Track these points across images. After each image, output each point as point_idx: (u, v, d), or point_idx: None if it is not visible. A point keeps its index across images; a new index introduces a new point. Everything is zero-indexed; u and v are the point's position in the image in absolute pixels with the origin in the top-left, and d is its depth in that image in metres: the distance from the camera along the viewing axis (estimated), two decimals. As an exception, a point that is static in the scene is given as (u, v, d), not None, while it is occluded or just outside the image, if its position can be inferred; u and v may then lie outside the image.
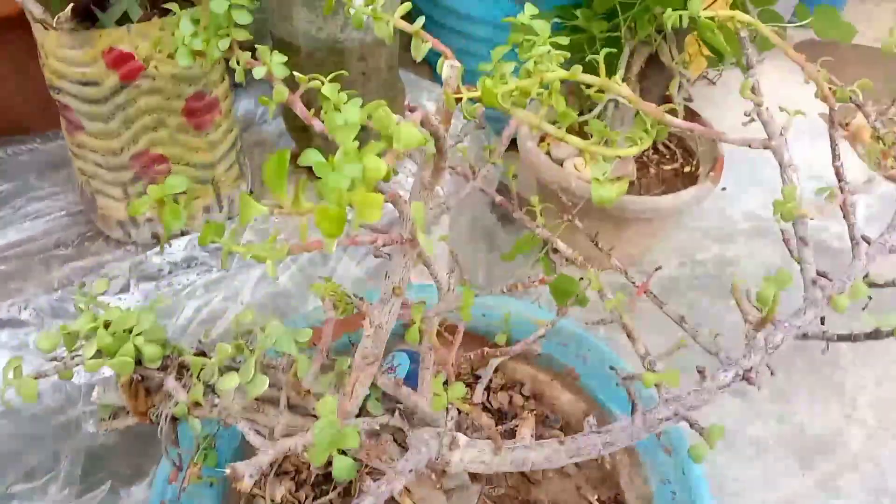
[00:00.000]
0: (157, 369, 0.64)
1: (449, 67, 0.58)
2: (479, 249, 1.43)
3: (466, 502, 0.72)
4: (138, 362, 0.64)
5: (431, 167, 0.60)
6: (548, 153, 1.46)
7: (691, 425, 0.63)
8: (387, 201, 0.56)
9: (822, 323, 0.68)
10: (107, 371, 0.75)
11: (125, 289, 1.10)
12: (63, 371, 0.63)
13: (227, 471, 0.57)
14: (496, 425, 0.91)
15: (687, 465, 0.83)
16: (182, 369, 0.66)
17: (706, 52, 1.45)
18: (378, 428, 0.64)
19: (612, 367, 0.70)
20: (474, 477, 0.77)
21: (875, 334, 0.64)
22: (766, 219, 1.79)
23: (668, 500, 0.79)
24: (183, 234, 1.13)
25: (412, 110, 0.49)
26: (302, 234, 0.52)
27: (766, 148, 0.68)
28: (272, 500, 0.83)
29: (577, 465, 0.89)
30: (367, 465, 0.72)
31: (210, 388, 0.64)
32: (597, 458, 0.63)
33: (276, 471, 0.86)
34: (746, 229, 1.77)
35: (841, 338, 0.67)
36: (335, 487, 0.86)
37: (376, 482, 0.56)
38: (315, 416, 0.65)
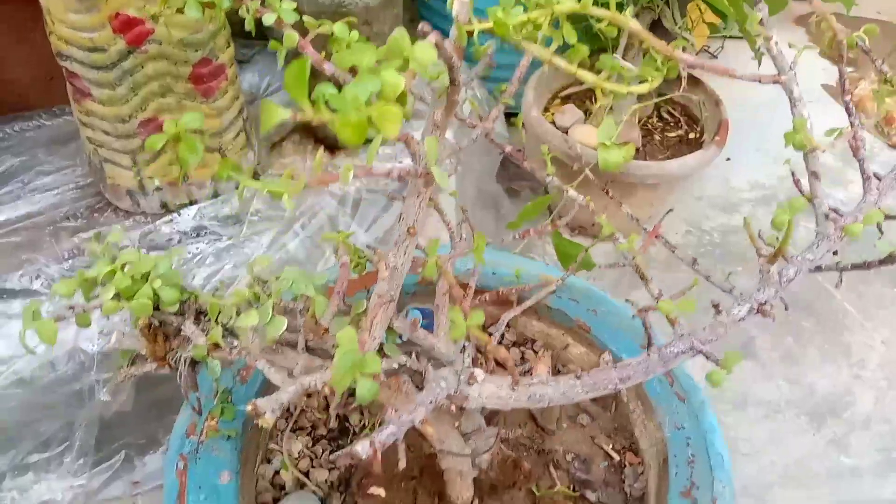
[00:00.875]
0: (175, 314, 0.65)
1: (459, 3, 0.58)
2: (485, 218, 1.43)
3: (483, 445, 0.73)
4: (156, 308, 0.65)
5: (444, 104, 0.60)
6: (552, 122, 1.47)
7: (707, 357, 0.63)
8: (400, 140, 0.57)
9: (836, 254, 0.68)
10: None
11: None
12: (81, 316, 0.64)
13: (248, 408, 0.57)
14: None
15: (701, 412, 0.83)
16: (199, 315, 0.67)
17: (708, 18, 1.45)
18: (396, 367, 0.64)
19: (627, 300, 0.71)
20: (490, 421, 0.78)
21: (889, 259, 0.64)
22: (771, 187, 1.80)
23: (683, 446, 0.80)
24: (191, 203, 1.13)
25: (425, 34, 0.49)
26: (316, 166, 0.53)
27: (775, 82, 0.68)
28: (289, 454, 0.84)
29: (590, 415, 0.90)
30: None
31: (228, 332, 0.64)
32: (613, 392, 0.63)
33: (293, 427, 0.87)
34: (751, 198, 1.77)
35: (855, 266, 0.67)
36: (351, 441, 0.86)
37: (398, 412, 0.56)
38: (333, 358, 0.65)
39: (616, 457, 0.85)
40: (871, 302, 1.54)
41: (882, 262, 0.65)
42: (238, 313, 0.64)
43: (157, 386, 1.12)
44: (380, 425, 0.69)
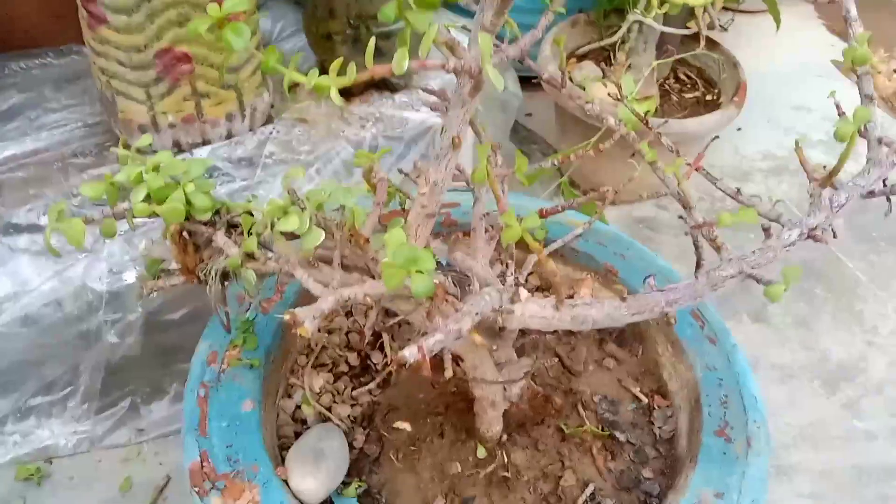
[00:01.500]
0: (206, 224, 0.62)
1: None
2: (499, 175, 1.41)
3: (515, 375, 0.71)
4: (186, 218, 0.62)
5: (494, 7, 0.57)
6: (569, 78, 1.44)
7: (758, 281, 0.61)
8: (444, 43, 0.54)
9: (885, 185, 0.66)
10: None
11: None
12: (108, 223, 0.61)
13: (286, 316, 0.55)
14: (525, 347, 0.89)
15: (732, 354, 0.82)
16: (230, 229, 0.64)
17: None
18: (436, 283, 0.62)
19: (680, 217, 0.68)
20: (519, 356, 0.76)
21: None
22: (782, 157, 1.78)
23: (715, 386, 0.78)
24: (204, 143, 1.10)
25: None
26: (368, 59, 0.50)
27: (830, 2, 0.66)
28: (310, 389, 0.81)
29: (616, 360, 0.88)
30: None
31: (262, 245, 0.62)
32: (660, 315, 0.61)
33: (314, 363, 0.84)
34: (763, 168, 1.76)
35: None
36: (373, 378, 0.84)
37: (444, 321, 0.54)
38: (371, 275, 0.63)
39: (644, 399, 0.83)
40: (883, 271, 1.53)
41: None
42: (272, 226, 0.61)
43: (165, 331, 1.09)
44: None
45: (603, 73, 1.48)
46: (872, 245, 1.60)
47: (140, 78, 0.99)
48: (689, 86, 1.52)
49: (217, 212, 0.63)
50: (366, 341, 0.86)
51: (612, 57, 1.46)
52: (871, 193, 0.65)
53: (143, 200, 0.58)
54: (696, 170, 0.76)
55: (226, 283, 0.65)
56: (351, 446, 0.76)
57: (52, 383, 1.08)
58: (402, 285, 0.49)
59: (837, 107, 0.70)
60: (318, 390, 0.82)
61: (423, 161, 0.63)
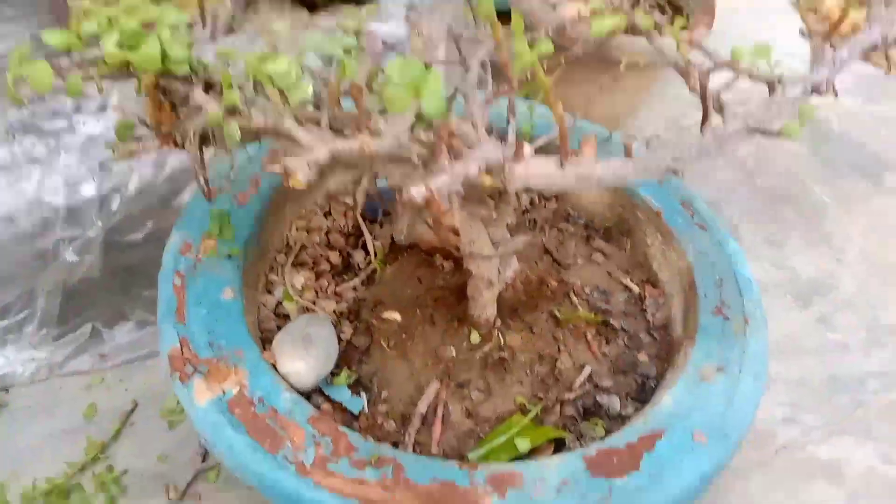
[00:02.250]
0: (183, 81, 0.57)
1: None
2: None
3: (512, 247, 0.68)
4: (163, 75, 0.57)
5: None
6: None
7: (764, 133, 0.60)
8: None
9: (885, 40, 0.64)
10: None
11: (102, 108, 1.01)
12: (73, 81, 0.55)
13: (276, 167, 0.51)
14: (519, 229, 0.87)
15: (724, 241, 0.80)
16: (209, 88, 0.59)
17: None
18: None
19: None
20: (516, 231, 0.73)
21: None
22: (746, 90, 1.78)
23: (709, 270, 0.76)
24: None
25: None
26: None
27: None
28: (292, 286, 0.77)
29: (604, 254, 0.86)
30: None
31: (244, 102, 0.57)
32: (668, 172, 0.59)
33: (293, 262, 0.80)
34: (727, 100, 1.75)
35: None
36: (357, 275, 0.81)
37: (450, 163, 0.51)
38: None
39: (636, 289, 0.82)
40: (847, 194, 1.55)
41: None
42: (255, 83, 0.57)
43: (126, 251, 1.03)
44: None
45: (572, -6, 1.45)
46: (835, 170, 1.61)
47: (94, -26, 0.92)
48: (658, 12, 1.50)
49: (193, 70, 0.58)
50: (357, 212, 0.82)
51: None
52: (874, 48, 0.64)
53: (116, 47, 0.53)
54: (690, 43, 0.73)
55: (205, 147, 0.60)
56: (339, 339, 0.73)
57: (6, 307, 1.02)
58: (407, 108, 0.45)
59: None
60: (299, 287, 0.78)
61: (414, 14, 0.59)
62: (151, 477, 0.97)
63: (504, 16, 0.81)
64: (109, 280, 1.06)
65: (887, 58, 0.66)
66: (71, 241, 0.99)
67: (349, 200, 0.84)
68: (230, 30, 1.11)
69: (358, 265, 0.82)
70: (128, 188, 0.99)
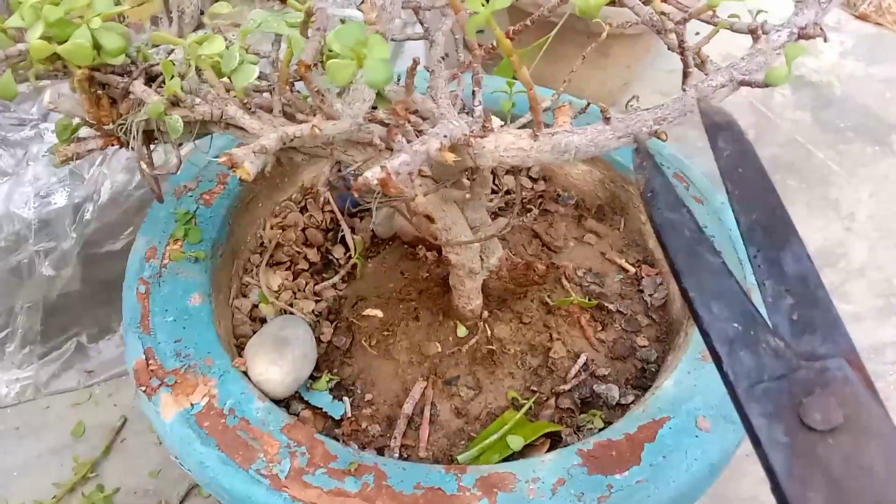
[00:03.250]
0: (121, 74, 0.53)
1: None
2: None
3: (492, 230, 0.64)
4: (96, 69, 0.53)
5: None
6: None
7: (751, 85, 0.55)
8: None
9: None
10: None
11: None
12: (5, 81, 0.52)
13: (221, 159, 0.47)
14: (505, 210, 0.82)
15: (722, 212, 0.75)
16: (149, 82, 0.55)
17: None
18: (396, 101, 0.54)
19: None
20: (495, 216, 0.69)
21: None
22: (736, 58, 1.73)
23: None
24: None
25: None
26: None
27: None
28: (268, 288, 0.73)
29: (597, 234, 0.81)
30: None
31: (188, 92, 0.53)
32: (648, 136, 0.54)
33: (269, 261, 0.76)
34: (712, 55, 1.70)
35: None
36: (336, 273, 0.76)
37: (410, 142, 0.47)
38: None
39: (631, 269, 0.77)
40: (853, 159, 1.49)
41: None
42: (198, 69, 0.53)
43: (105, 263, 1.00)
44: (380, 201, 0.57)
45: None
46: (839, 135, 1.56)
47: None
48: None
49: (133, 61, 0.55)
50: (327, 213, 0.79)
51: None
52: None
53: (41, 38, 0.49)
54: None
55: (151, 144, 0.56)
56: (318, 341, 0.69)
57: (-16, 328, 0.99)
58: (350, 79, 0.41)
59: None
60: (276, 288, 0.74)
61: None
62: (143, 494, 0.94)
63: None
64: (91, 293, 1.02)
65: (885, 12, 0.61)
66: (46, 254, 0.95)
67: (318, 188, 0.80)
68: (199, 25, 1.07)
69: (338, 262, 0.78)
70: (101, 196, 0.95)
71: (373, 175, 0.43)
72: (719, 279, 0.35)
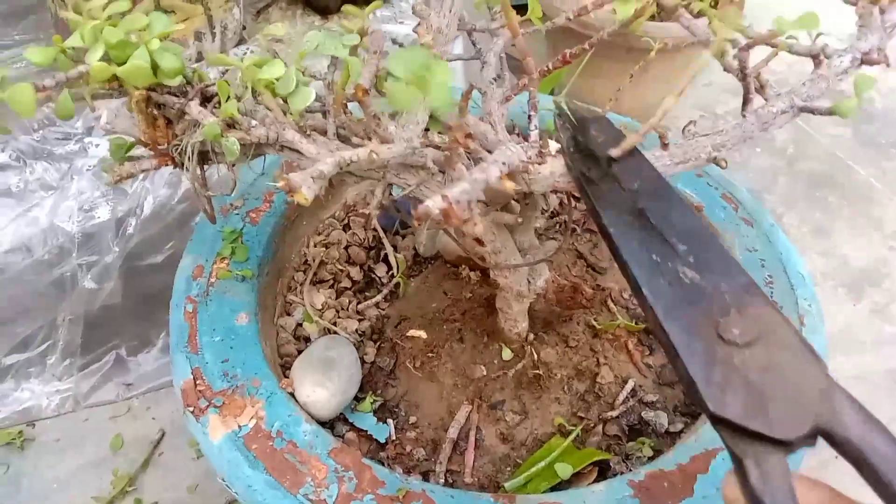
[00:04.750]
0: (177, 94, 0.53)
1: None
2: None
3: (541, 255, 0.63)
4: (153, 88, 0.54)
5: None
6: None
7: (813, 113, 0.54)
8: None
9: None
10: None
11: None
12: (63, 102, 0.52)
13: (279, 183, 0.46)
14: (549, 231, 0.82)
15: (773, 234, 0.74)
16: (205, 102, 0.55)
17: None
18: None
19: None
20: (545, 236, 0.68)
21: None
22: (781, 72, 1.71)
23: (757, 267, 0.71)
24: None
25: None
26: None
27: None
28: (311, 306, 0.73)
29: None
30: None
31: (244, 114, 0.53)
32: (707, 162, 0.53)
33: (312, 279, 0.76)
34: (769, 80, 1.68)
35: None
36: (379, 291, 0.76)
37: (469, 170, 0.46)
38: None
39: (678, 292, 0.76)
40: (895, 176, 1.47)
41: None
42: (254, 91, 0.53)
43: (147, 276, 1.00)
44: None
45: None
46: (881, 151, 1.53)
47: (96, -8, 0.89)
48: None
49: (189, 82, 0.55)
50: (370, 231, 0.78)
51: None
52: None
53: (101, 60, 0.49)
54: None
55: (205, 165, 0.56)
56: (362, 361, 0.68)
57: (27, 339, 1.00)
58: (411, 104, 0.40)
59: None
60: (319, 307, 0.74)
61: (420, 5, 0.54)
62: (181, 509, 0.94)
63: (521, 9, 0.75)
64: (131, 306, 1.03)
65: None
66: (89, 267, 0.96)
67: (368, 211, 0.79)
68: (241, 40, 1.08)
69: (380, 280, 0.77)
70: (143, 210, 0.96)
71: (434, 205, 0.42)
72: (640, 220, 0.39)
